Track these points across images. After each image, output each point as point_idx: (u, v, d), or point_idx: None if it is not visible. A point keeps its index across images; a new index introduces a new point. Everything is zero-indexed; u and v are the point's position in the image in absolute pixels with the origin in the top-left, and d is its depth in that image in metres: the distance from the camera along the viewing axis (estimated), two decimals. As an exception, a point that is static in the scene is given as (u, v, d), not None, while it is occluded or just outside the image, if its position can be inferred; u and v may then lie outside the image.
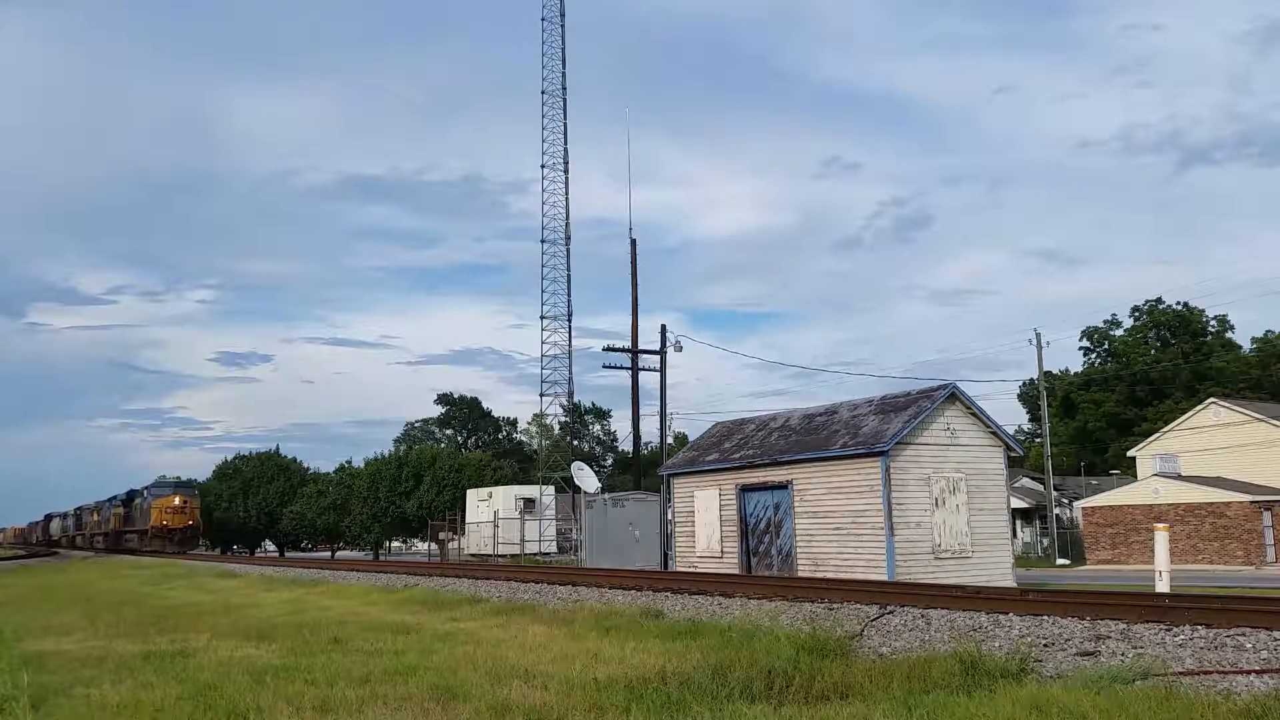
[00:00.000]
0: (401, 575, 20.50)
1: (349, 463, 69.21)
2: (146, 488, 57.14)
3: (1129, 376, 62.90)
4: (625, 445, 75.77)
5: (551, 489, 45.03)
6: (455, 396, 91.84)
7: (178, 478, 63.24)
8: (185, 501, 55.25)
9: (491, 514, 43.17)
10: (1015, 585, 18.10)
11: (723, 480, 23.20)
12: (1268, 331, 65.84)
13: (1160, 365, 62.09)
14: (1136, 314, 66.32)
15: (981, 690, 6.21)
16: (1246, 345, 66.00)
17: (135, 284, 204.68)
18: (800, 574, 19.86)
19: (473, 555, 43.78)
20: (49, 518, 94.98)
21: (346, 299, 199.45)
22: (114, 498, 65.26)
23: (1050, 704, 5.57)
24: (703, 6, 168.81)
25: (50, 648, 10.91)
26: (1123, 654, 7.26)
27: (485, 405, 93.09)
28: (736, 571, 21.54)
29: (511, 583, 16.74)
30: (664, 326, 36.47)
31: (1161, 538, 15.35)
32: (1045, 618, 9.01)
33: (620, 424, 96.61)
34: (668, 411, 36.41)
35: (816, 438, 21.66)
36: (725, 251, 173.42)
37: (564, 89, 46.32)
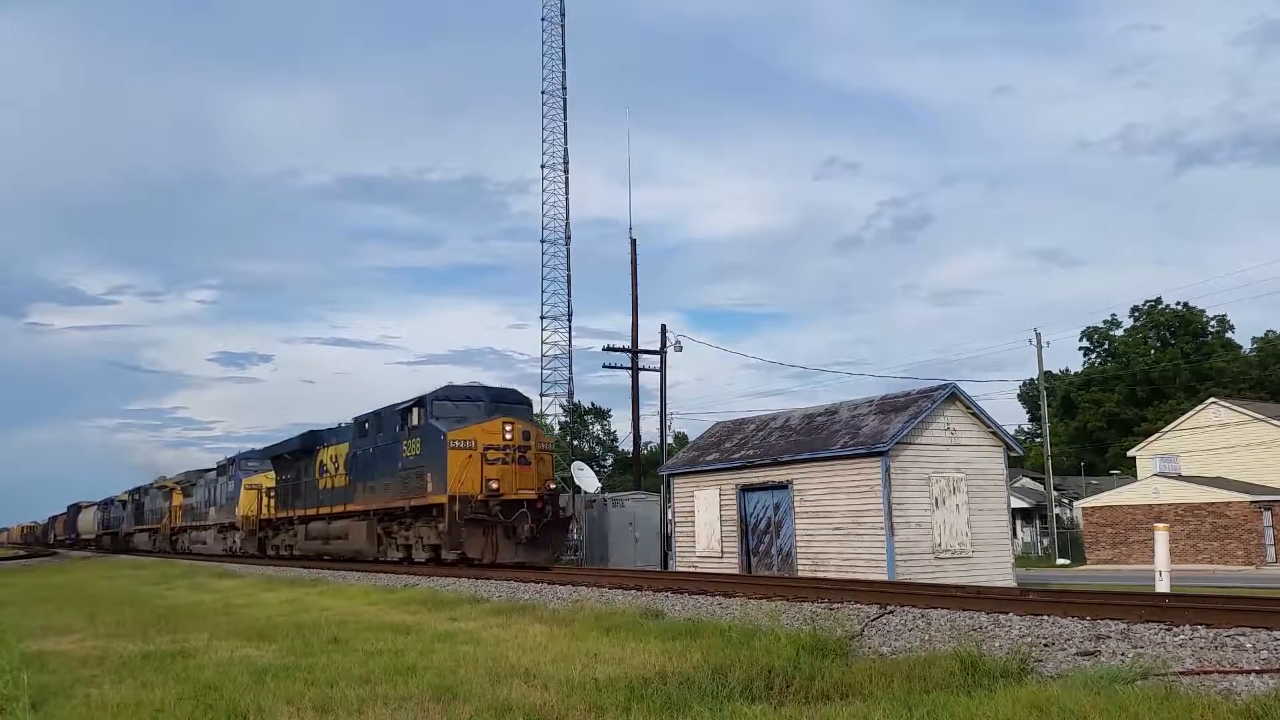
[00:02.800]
0: (401, 575, 20.49)
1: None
2: (419, 401, 22.92)
3: (1129, 376, 62.92)
4: (625, 445, 75.64)
5: (552, 489, 44.80)
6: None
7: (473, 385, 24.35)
8: (528, 433, 22.30)
9: (492, 514, 42.92)
10: (1015, 585, 18.10)
11: (723, 480, 23.20)
12: (1268, 331, 65.90)
13: (1160, 365, 62.11)
14: (1136, 314, 66.35)
15: (982, 690, 6.21)
16: (1247, 345, 66.05)
17: (135, 284, 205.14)
18: (800, 574, 19.86)
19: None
20: (76, 509, 74.49)
21: (346, 299, 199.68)
22: (244, 456, 36.65)
23: (1050, 704, 5.57)
24: (703, 7, 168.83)
25: (50, 648, 10.91)
26: (1123, 654, 7.26)
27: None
28: (736, 571, 21.54)
29: (511, 583, 16.73)
30: (664, 326, 36.38)
31: (1161, 538, 15.36)
32: (1045, 618, 9.02)
33: (620, 424, 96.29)
34: (668, 411, 36.33)
35: (817, 438, 21.66)
36: (725, 251, 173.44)
37: (564, 89, 46.38)
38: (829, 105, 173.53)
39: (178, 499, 45.91)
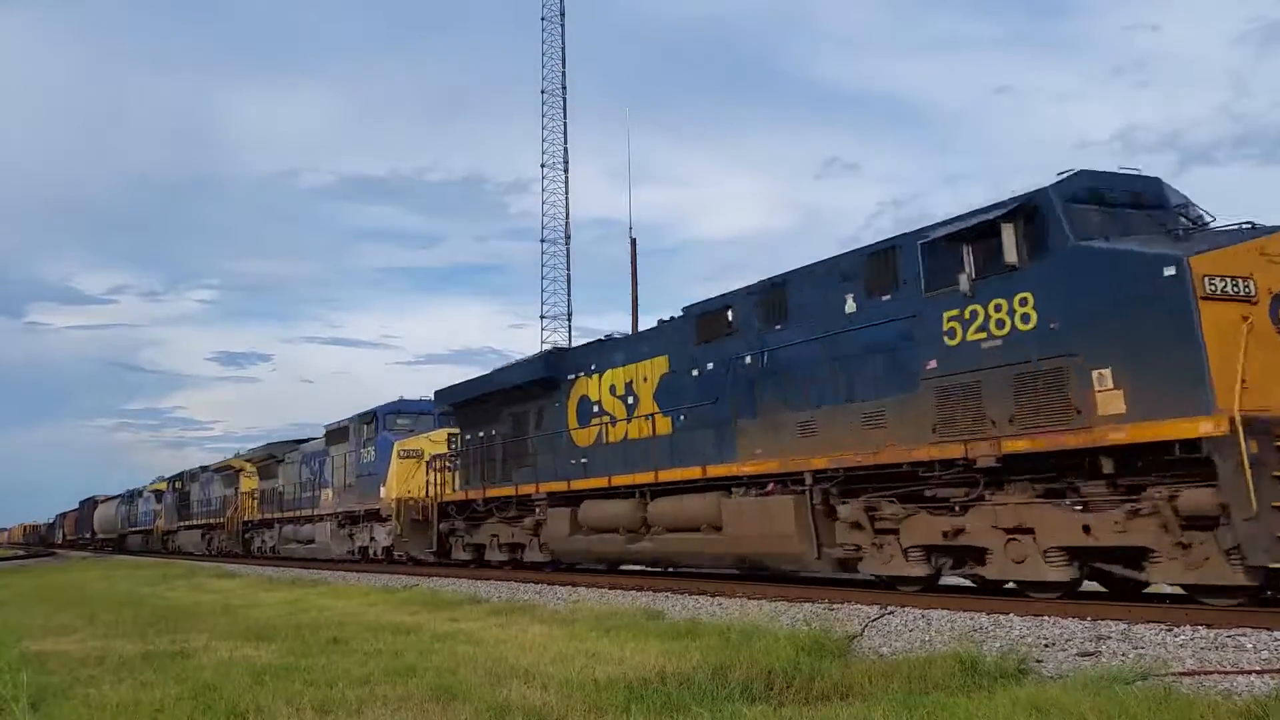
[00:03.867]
0: (401, 575, 20.46)
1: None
2: (1022, 205, 9.46)
3: (1129, 377, 62.81)
4: (625, 445, 75.47)
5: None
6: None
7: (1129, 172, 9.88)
8: None
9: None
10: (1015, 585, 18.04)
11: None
12: (1268, 332, 65.85)
13: (1160, 365, 62.00)
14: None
15: (981, 691, 6.21)
16: (1247, 345, 65.96)
17: (135, 284, 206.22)
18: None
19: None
20: (91, 504, 65.67)
21: (346, 299, 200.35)
22: (390, 409, 25.36)
23: (1050, 704, 5.56)
24: (703, 6, 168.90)
25: (50, 648, 10.90)
26: (1123, 654, 7.26)
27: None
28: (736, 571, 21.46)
29: (511, 583, 16.72)
30: (663, 327, 36.19)
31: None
32: (1045, 618, 9.01)
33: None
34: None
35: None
36: (725, 251, 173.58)
37: (564, 89, 46.46)
38: (829, 105, 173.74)
39: (249, 483, 34.32)
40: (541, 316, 44.73)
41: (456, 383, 21.21)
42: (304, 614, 13.72)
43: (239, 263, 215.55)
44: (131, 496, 55.01)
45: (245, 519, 34.87)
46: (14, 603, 19.51)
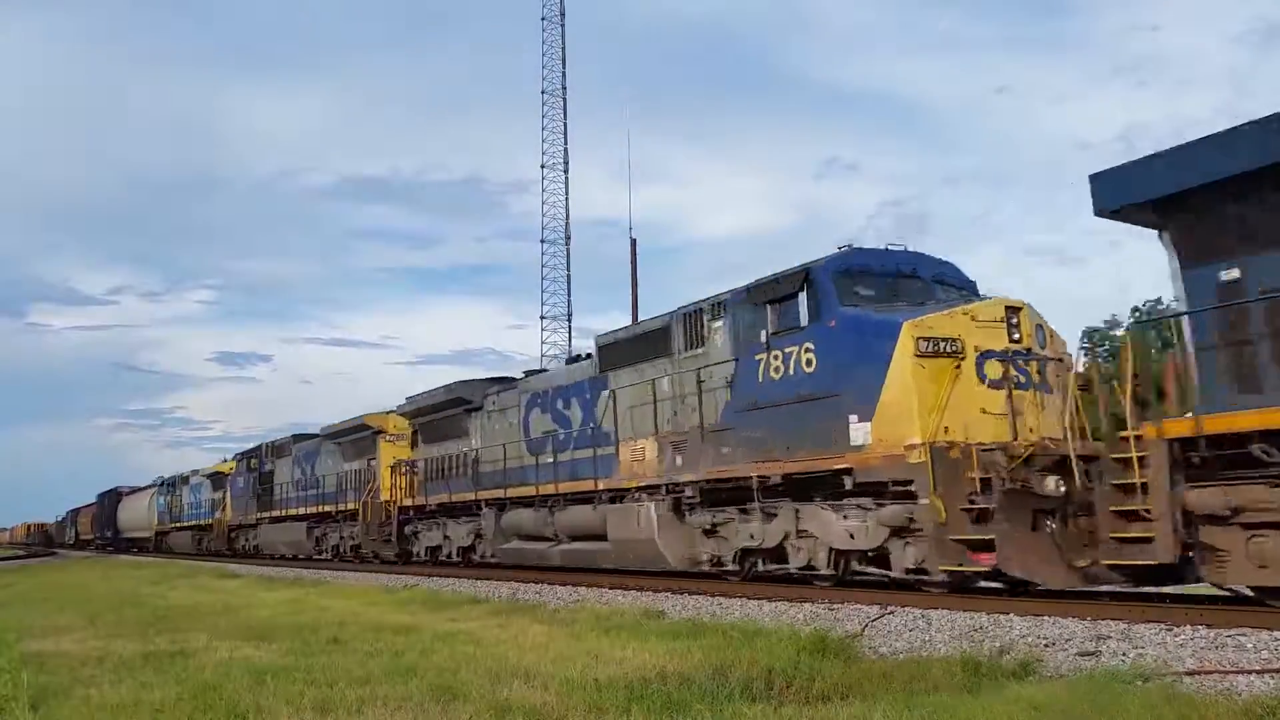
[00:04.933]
0: (401, 575, 20.44)
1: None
2: None
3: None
4: (625, 445, 75.15)
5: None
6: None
7: None
8: None
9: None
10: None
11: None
12: (1268, 331, 65.70)
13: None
14: (1137, 314, 66.32)
15: (982, 690, 6.21)
16: (1247, 345, 65.84)
17: (135, 284, 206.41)
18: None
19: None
20: (114, 497, 55.46)
21: (346, 299, 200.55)
22: None
23: (1051, 704, 5.57)
24: (703, 6, 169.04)
25: (50, 648, 10.90)
26: (1123, 654, 7.26)
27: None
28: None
29: (512, 583, 16.71)
30: (663, 327, 36.03)
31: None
32: (1046, 618, 9.00)
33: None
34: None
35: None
36: (726, 251, 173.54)
37: (564, 89, 46.46)
38: (829, 105, 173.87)
39: (394, 450, 23.00)
40: (542, 317, 44.78)
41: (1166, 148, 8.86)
42: (304, 614, 13.71)
43: (239, 263, 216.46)
44: (173, 484, 43.89)
45: (401, 503, 22.26)
46: (14, 603, 19.50)
